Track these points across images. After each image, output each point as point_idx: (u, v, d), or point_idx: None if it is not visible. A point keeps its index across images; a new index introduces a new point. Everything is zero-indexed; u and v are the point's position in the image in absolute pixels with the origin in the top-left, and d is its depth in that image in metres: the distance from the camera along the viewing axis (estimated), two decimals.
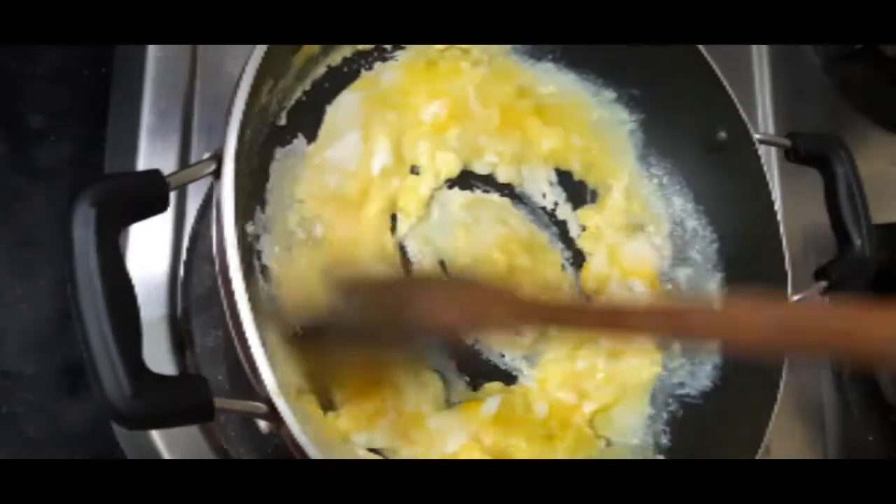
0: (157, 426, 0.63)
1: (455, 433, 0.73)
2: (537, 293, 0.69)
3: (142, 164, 0.74)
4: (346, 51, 0.76)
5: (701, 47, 0.77)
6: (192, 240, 0.73)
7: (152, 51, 0.77)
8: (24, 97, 0.78)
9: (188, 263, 0.72)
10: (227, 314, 0.52)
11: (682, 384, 0.83)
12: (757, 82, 1.08)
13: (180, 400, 0.49)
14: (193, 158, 0.76)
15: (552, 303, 0.68)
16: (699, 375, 0.83)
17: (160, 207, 0.52)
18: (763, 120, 1.07)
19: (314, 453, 0.53)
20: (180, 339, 0.71)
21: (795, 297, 0.77)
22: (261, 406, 0.52)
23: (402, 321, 0.65)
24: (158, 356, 0.70)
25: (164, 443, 0.69)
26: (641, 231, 0.89)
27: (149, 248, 0.72)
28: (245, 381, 0.53)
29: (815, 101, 1.10)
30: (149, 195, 0.52)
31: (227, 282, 0.52)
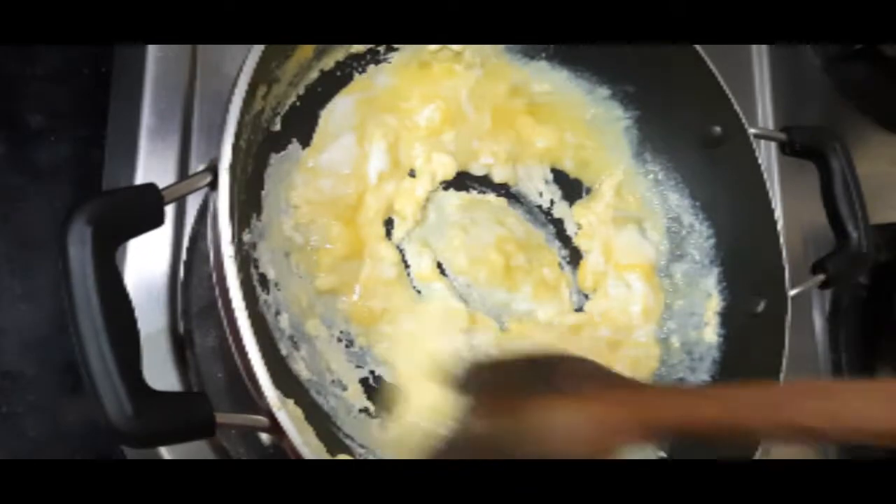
0: (160, 444, 0.63)
1: None
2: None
3: (141, 164, 0.74)
4: (339, 54, 0.76)
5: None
6: (192, 239, 0.73)
7: (152, 51, 0.77)
8: (24, 97, 0.78)
9: (188, 263, 0.72)
10: (227, 328, 0.52)
11: (681, 379, 0.83)
12: (757, 82, 1.08)
13: (182, 419, 0.49)
14: (193, 159, 0.76)
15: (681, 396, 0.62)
16: (699, 370, 0.83)
17: (156, 221, 0.52)
18: (763, 119, 1.07)
19: None
20: (181, 341, 0.72)
21: (793, 291, 0.77)
22: (262, 419, 0.52)
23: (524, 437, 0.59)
24: (159, 361, 0.70)
25: None
26: (637, 227, 0.89)
27: (149, 248, 0.72)
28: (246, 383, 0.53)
29: (815, 101, 1.10)
30: (145, 210, 0.52)
31: (226, 296, 0.52)
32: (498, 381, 0.64)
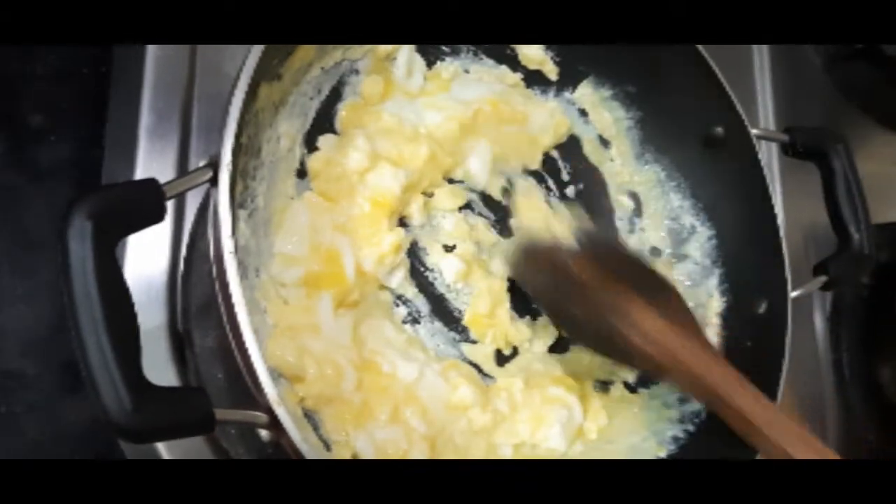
0: (159, 439, 0.63)
1: None
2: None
3: (141, 164, 0.74)
4: (337, 55, 0.76)
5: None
6: (192, 238, 0.73)
7: (152, 51, 0.77)
8: (24, 97, 0.78)
9: (188, 263, 0.72)
10: (227, 324, 0.52)
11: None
12: (758, 82, 1.08)
13: (181, 414, 0.49)
14: (192, 158, 0.76)
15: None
16: None
17: (157, 217, 0.52)
18: (764, 119, 1.07)
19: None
20: (180, 339, 0.72)
21: (795, 293, 0.77)
22: (261, 416, 0.52)
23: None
24: (158, 358, 0.70)
25: (164, 443, 0.69)
26: (639, 229, 0.90)
27: (148, 248, 0.73)
28: (245, 381, 0.53)
29: (815, 101, 1.10)
30: (145, 205, 0.51)
31: (226, 290, 0.52)
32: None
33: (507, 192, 0.85)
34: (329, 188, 0.72)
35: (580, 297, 0.73)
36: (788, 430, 0.63)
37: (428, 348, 0.75)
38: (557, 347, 0.81)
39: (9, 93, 0.77)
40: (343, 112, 0.76)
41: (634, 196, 0.90)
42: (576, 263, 0.73)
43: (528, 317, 0.81)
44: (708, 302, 0.85)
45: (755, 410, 0.65)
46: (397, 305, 0.76)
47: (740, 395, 0.65)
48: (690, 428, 0.79)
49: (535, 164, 0.87)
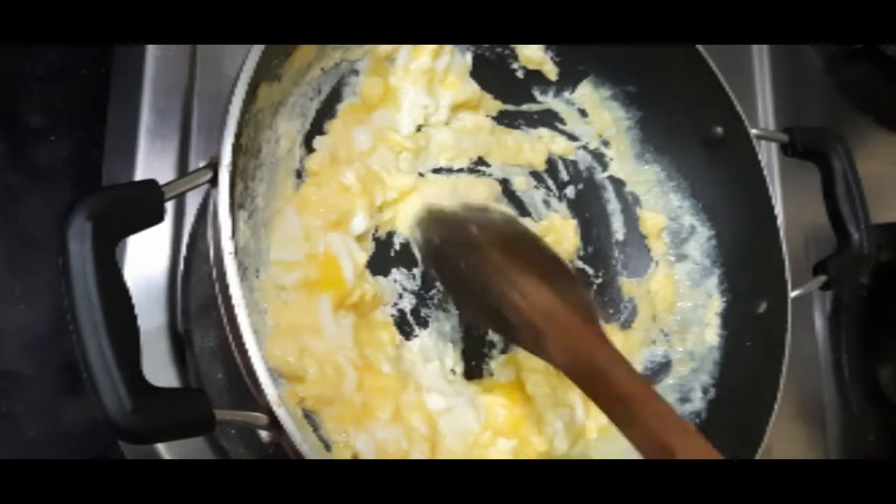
0: (159, 440, 0.63)
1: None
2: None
3: (141, 164, 0.74)
4: (337, 56, 0.76)
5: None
6: (192, 238, 0.73)
7: (152, 51, 0.77)
8: (24, 97, 0.78)
9: (188, 263, 0.72)
10: (227, 325, 0.52)
11: (682, 378, 0.84)
12: (758, 82, 1.08)
13: (181, 414, 0.49)
14: (192, 158, 0.76)
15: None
16: (699, 371, 0.83)
17: (157, 218, 0.52)
18: (764, 119, 1.07)
19: None
20: (180, 340, 0.72)
21: (794, 293, 0.77)
22: (261, 416, 0.52)
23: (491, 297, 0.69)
24: (158, 358, 0.70)
25: (164, 443, 0.68)
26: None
27: (148, 248, 0.73)
28: (245, 382, 0.53)
29: (815, 101, 1.10)
30: (145, 206, 0.51)
31: (226, 291, 0.52)
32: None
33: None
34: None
35: (474, 261, 0.72)
36: (670, 421, 0.59)
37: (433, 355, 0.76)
38: None
39: (8, 93, 0.77)
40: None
41: (634, 196, 0.90)
42: (479, 229, 0.73)
43: None
44: (708, 302, 0.85)
45: (635, 392, 0.60)
46: (396, 305, 0.76)
47: (623, 376, 0.61)
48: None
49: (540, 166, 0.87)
